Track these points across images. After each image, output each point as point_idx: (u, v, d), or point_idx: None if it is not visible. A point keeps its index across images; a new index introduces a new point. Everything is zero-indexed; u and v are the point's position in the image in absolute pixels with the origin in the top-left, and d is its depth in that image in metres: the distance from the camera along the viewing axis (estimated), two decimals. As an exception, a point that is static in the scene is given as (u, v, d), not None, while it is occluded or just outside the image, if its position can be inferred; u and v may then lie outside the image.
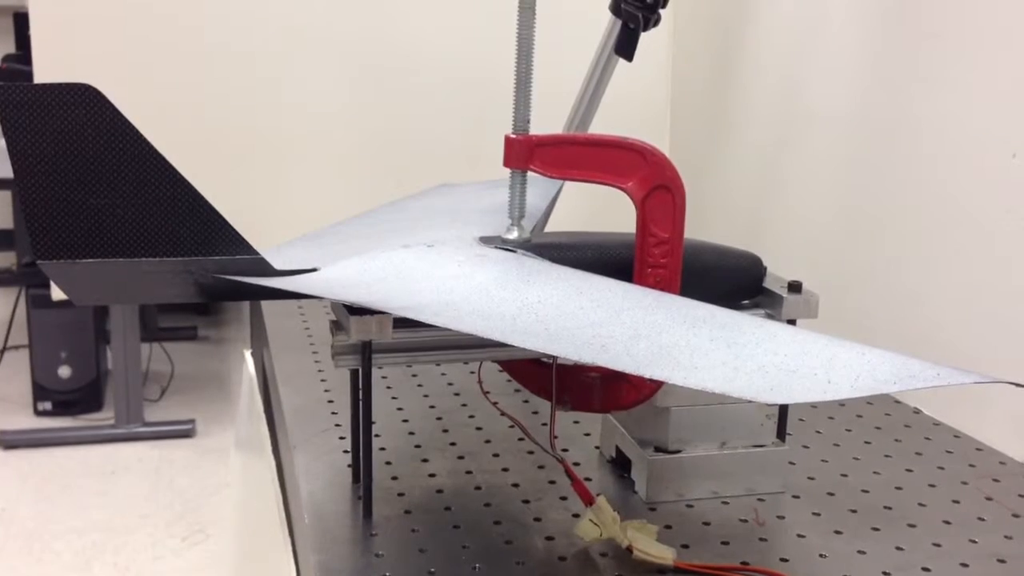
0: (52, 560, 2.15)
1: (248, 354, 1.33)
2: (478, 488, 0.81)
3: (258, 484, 1.07)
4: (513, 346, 0.71)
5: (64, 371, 2.81)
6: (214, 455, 2.64)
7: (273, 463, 1.01)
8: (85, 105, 0.60)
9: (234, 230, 0.65)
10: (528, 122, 0.74)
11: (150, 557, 2.18)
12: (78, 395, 2.84)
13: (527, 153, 0.74)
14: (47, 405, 2.83)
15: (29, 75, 1.53)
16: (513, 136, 0.74)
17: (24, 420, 2.80)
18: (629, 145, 0.71)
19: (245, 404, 1.29)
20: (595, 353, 0.55)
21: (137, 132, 0.61)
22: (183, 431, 2.76)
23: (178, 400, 3.00)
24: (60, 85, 0.60)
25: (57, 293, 1.50)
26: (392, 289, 0.66)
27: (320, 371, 1.05)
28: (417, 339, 0.72)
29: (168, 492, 2.46)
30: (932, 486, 0.83)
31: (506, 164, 0.75)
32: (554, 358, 0.75)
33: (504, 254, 0.72)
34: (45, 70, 1.41)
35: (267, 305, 1.24)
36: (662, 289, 0.71)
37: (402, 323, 0.70)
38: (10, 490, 2.44)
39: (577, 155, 0.73)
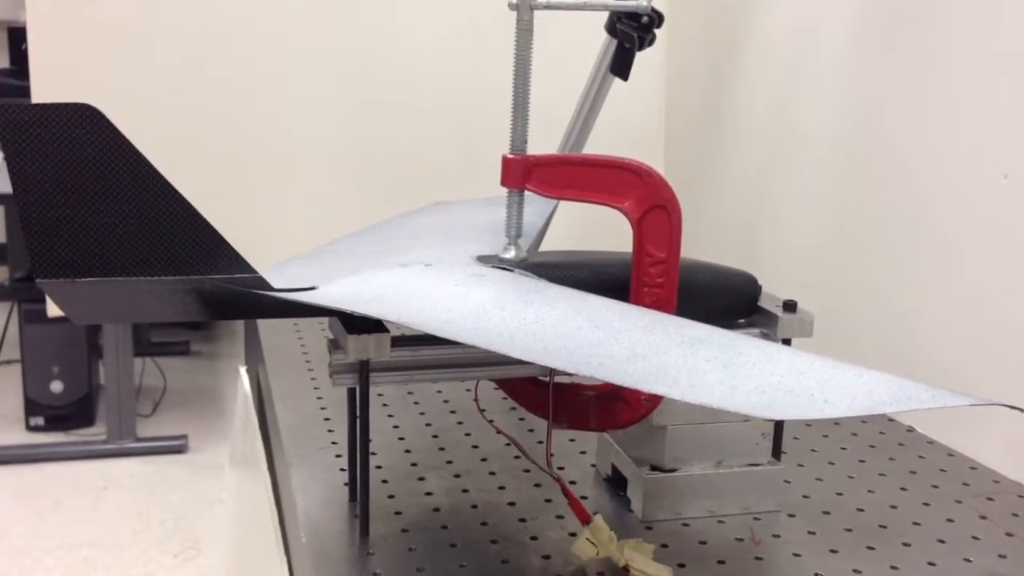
0: (43, 576, 2.14)
1: (243, 370, 1.33)
2: (475, 507, 0.81)
3: (253, 502, 1.07)
4: (510, 364, 0.72)
5: (56, 386, 2.80)
6: (207, 471, 2.64)
7: (268, 481, 1.00)
8: (85, 125, 0.60)
9: (233, 249, 0.65)
10: (525, 142, 0.75)
11: (142, 573, 2.17)
12: (70, 410, 2.84)
13: (524, 173, 0.74)
14: (39, 420, 2.82)
15: (24, 90, 1.54)
16: (510, 156, 0.74)
17: (16, 435, 2.80)
18: (626, 165, 0.72)
19: (240, 421, 1.28)
20: (592, 370, 0.56)
21: (137, 152, 0.61)
22: (175, 447, 2.75)
23: (171, 415, 2.99)
24: (60, 105, 0.60)
25: (53, 310, 1.50)
26: (390, 308, 0.66)
27: (316, 388, 1.05)
28: (415, 358, 0.73)
29: (160, 508, 2.45)
30: (926, 505, 0.84)
31: (503, 183, 0.75)
32: (551, 377, 0.76)
33: (501, 273, 0.72)
34: (43, 86, 1.41)
35: (263, 322, 1.24)
36: (658, 308, 0.71)
37: (400, 342, 0.70)
38: (1, 506, 2.43)
39: (574, 175, 0.74)
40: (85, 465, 2.66)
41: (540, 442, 0.84)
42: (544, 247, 1.00)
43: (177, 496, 2.51)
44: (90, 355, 2.87)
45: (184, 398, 3.13)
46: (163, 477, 2.61)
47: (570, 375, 0.71)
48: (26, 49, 1.41)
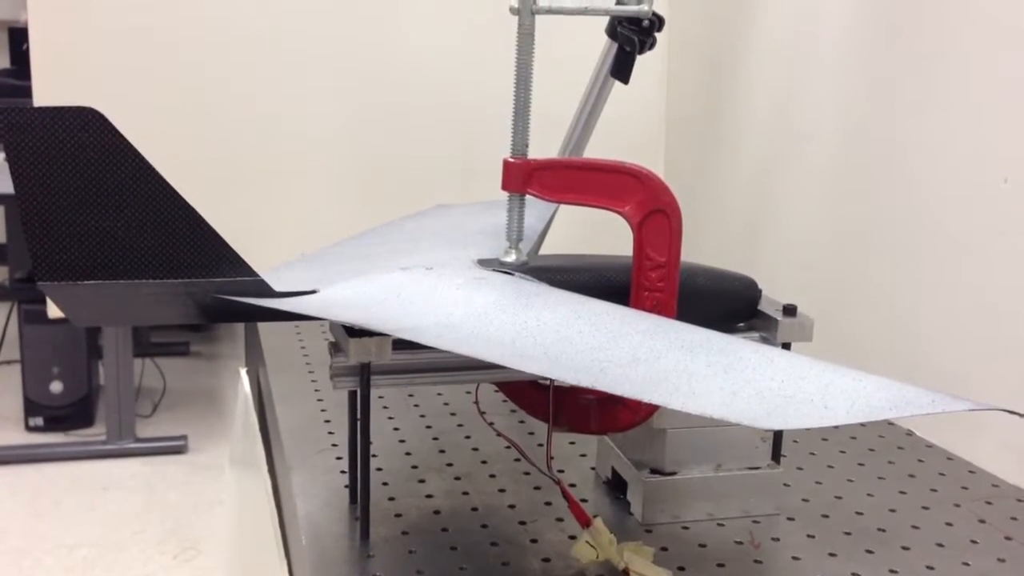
0: (42, 577, 2.14)
1: (244, 372, 1.33)
2: (475, 509, 0.81)
3: (253, 503, 1.07)
4: (512, 368, 0.72)
5: (56, 386, 2.80)
6: (206, 471, 2.63)
7: (269, 483, 1.01)
8: (88, 128, 0.60)
9: (234, 252, 0.65)
10: (526, 146, 0.75)
11: (142, 574, 2.17)
12: (70, 411, 2.83)
13: (525, 177, 0.74)
14: (38, 421, 2.82)
15: (24, 90, 1.54)
16: (511, 160, 0.75)
17: (15, 436, 2.79)
18: (626, 169, 0.72)
19: (240, 422, 1.28)
20: (594, 377, 0.56)
21: (139, 155, 0.61)
22: (175, 447, 2.75)
23: (170, 416, 2.99)
24: (63, 108, 0.60)
25: (54, 310, 1.51)
26: (391, 311, 0.66)
27: (316, 391, 1.05)
28: (416, 361, 0.73)
29: (160, 508, 2.45)
30: (925, 508, 0.84)
31: (504, 187, 0.75)
32: (551, 380, 0.76)
33: (502, 277, 0.72)
34: (44, 86, 1.41)
35: (263, 325, 1.24)
36: (659, 313, 0.71)
37: (401, 345, 0.70)
38: (1, 506, 2.43)
39: (575, 179, 0.74)
40: (84, 465, 2.66)
41: (540, 445, 0.85)
42: (544, 251, 1.00)
43: (177, 496, 2.51)
44: (90, 355, 2.86)
45: (184, 399, 3.13)
46: (163, 477, 2.61)
47: (570, 379, 0.71)
48: (27, 49, 1.41)
